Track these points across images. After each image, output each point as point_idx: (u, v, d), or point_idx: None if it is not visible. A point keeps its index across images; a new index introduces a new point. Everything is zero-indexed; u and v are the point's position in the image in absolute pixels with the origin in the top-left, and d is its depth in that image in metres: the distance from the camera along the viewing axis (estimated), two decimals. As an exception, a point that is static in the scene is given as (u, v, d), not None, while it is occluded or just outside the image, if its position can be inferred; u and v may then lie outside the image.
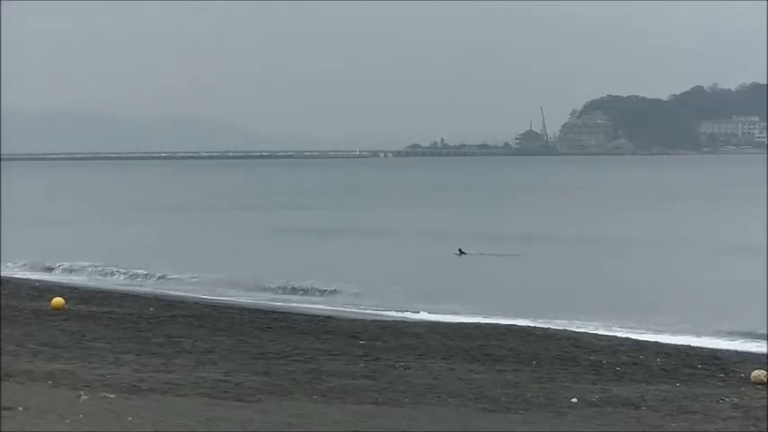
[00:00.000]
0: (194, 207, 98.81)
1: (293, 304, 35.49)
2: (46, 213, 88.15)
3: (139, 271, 45.01)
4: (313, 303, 36.27)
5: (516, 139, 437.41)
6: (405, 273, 46.50)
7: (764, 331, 29.28)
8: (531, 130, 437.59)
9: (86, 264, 46.81)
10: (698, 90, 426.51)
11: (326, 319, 29.68)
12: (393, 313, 33.28)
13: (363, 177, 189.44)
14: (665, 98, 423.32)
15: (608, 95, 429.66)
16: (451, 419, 15.36)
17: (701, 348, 25.67)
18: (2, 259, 47.25)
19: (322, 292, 39.16)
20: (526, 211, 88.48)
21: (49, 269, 46.43)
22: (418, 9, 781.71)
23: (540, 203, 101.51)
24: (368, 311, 33.68)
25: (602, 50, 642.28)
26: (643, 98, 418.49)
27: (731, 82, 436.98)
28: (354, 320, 29.63)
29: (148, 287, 40.54)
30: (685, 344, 26.60)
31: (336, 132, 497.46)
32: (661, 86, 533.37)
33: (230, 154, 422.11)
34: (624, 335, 27.92)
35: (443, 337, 25.44)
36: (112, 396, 15.77)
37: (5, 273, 42.68)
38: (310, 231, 70.50)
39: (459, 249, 54.31)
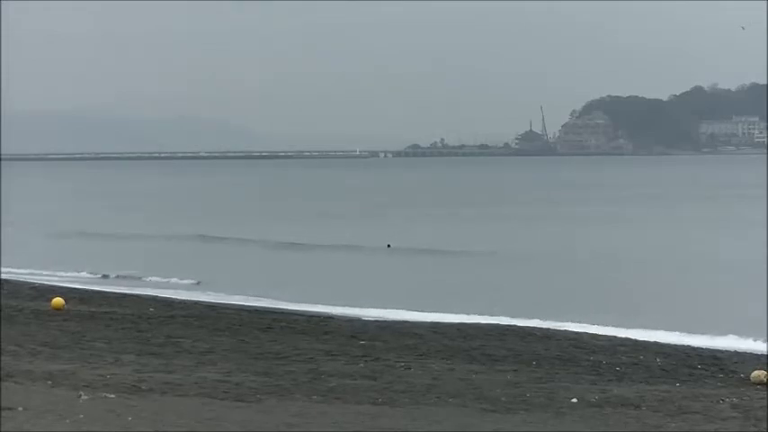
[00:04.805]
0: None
1: (293, 304, 35.43)
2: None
3: None
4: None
5: (516, 139, 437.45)
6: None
7: (764, 331, 29.28)
8: (531, 131, 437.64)
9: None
10: (698, 90, 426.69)
11: (326, 319, 29.65)
12: (393, 313, 33.21)
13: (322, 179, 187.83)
14: (664, 98, 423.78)
15: (608, 95, 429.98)
16: (451, 420, 15.36)
17: (701, 348, 25.65)
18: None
19: None
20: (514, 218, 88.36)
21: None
22: (419, 9, 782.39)
23: (539, 205, 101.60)
24: (368, 311, 33.61)
25: (602, 50, 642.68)
26: (643, 98, 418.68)
27: (731, 82, 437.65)
28: (354, 320, 29.62)
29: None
30: (685, 344, 26.57)
31: (336, 132, 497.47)
32: (661, 86, 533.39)
33: (230, 154, 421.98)
34: (624, 335, 27.88)
35: (443, 337, 25.43)
36: (112, 396, 15.78)
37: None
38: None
39: (388, 245, 56.85)
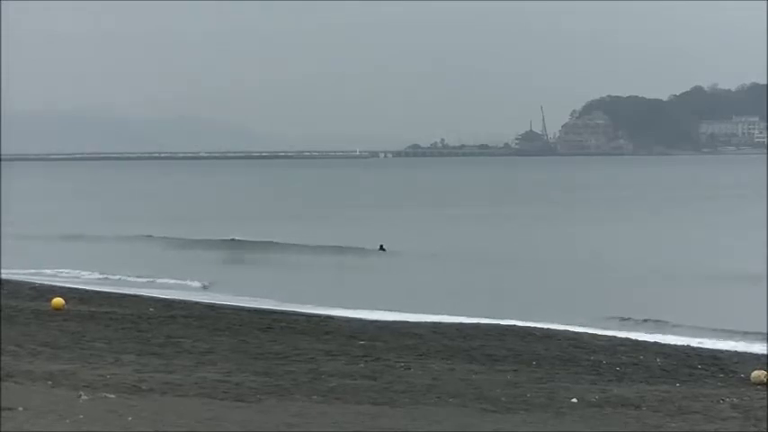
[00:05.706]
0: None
1: (293, 305, 35.43)
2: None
3: None
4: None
5: (516, 139, 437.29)
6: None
7: (764, 331, 29.29)
8: (531, 131, 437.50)
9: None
10: (698, 90, 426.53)
11: (326, 319, 29.65)
12: (393, 313, 33.20)
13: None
14: (664, 98, 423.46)
15: (608, 95, 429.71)
16: (451, 420, 15.36)
17: (701, 348, 25.67)
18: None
19: None
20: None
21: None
22: (419, 9, 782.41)
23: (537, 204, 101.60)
24: (368, 312, 33.61)
25: (602, 50, 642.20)
26: (643, 98, 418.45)
27: (731, 82, 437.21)
28: (354, 320, 29.62)
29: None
30: (685, 344, 26.60)
31: (336, 132, 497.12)
32: (661, 86, 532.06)
33: (230, 154, 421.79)
34: (624, 335, 27.91)
35: (443, 338, 25.44)
36: (112, 396, 15.79)
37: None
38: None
39: (381, 245, 56.53)
